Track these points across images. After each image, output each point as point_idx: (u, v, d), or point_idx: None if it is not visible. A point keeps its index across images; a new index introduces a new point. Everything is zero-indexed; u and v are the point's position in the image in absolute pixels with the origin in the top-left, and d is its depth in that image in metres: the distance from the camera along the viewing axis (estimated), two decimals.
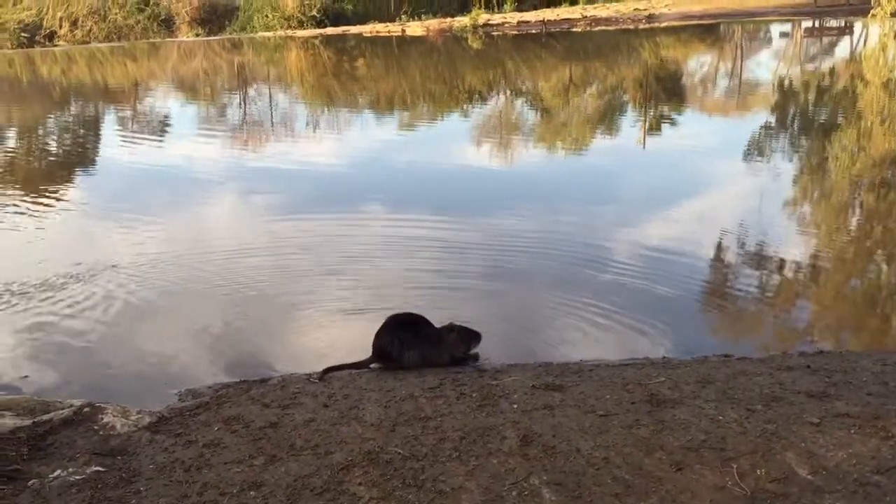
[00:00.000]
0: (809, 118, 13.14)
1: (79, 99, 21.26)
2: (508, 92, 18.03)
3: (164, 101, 19.85)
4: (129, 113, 17.69)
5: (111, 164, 11.24)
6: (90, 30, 39.13)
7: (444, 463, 2.97)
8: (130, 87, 23.46)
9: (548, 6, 37.56)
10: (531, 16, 34.82)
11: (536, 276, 5.73)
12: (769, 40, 27.74)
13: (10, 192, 9.50)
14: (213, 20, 40.07)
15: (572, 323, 4.84)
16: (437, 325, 4.18)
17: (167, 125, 15.27)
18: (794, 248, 6.22)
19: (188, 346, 4.70)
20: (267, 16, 37.88)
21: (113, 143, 13.14)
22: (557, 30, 31.79)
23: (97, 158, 12.09)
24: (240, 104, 18.41)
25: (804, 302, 5.28)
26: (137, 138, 13.69)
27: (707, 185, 8.58)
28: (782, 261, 5.92)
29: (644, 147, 10.78)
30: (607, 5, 36.19)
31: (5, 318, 5.24)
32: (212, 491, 2.89)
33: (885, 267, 5.98)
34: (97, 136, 14.61)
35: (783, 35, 28.37)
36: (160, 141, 13.34)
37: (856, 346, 4.40)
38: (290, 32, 35.98)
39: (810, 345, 4.41)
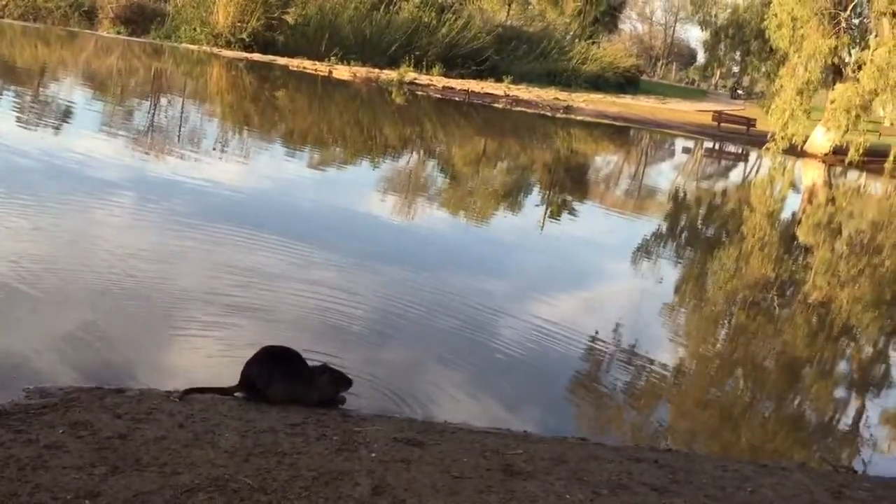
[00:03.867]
0: (697, 231, 13.90)
1: None
2: (422, 151, 18.31)
3: (70, 91, 19.17)
4: (29, 96, 16.96)
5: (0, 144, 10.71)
6: (6, 5, 37.56)
7: (292, 501, 2.92)
8: (36, 71, 22.56)
9: (474, 78, 38.59)
10: (457, 83, 35.65)
11: (415, 333, 5.79)
12: (672, 153, 29.34)
13: None
14: (137, 21, 39.19)
15: (442, 384, 4.90)
16: (311, 364, 4.15)
17: (68, 116, 14.71)
18: (663, 351, 6.52)
19: (46, 344, 4.48)
20: (195, 29, 37.31)
21: (6, 124, 12.53)
22: (479, 102, 32.62)
23: None
24: (149, 110, 17.97)
25: (662, 402, 5.53)
26: (33, 123, 13.12)
27: (594, 277, 8.93)
28: (649, 361, 6.19)
29: (542, 230, 11.12)
30: (529, 89, 37.49)
31: None
32: (44, 493, 2.74)
33: (740, 383, 6.33)
34: None
35: (686, 150, 30.07)
36: (57, 130, 12.83)
37: (702, 450, 4.63)
38: (215, 50, 35.53)
39: (660, 441, 4.61)
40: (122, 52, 31.66)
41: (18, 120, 13.22)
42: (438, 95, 32.86)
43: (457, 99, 32.64)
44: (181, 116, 17.53)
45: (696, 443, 4.84)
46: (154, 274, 6.01)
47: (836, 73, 28.10)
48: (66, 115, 14.87)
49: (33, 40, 30.96)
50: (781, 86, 26.50)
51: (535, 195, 14.74)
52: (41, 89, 18.57)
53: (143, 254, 6.49)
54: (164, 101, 20.37)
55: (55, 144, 11.21)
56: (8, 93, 17.35)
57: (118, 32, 37.93)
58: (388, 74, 34.70)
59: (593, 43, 50.41)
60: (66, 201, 7.85)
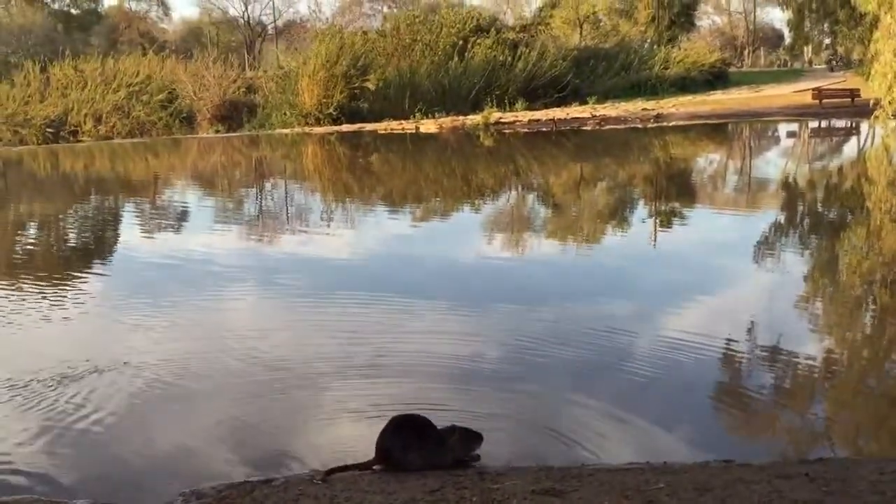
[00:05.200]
0: (818, 216, 13.31)
1: (99, 192, 21.81)
2: (520, 187, 18.38)
3: (183, 194, 20.32)
4: (148, 206, 18.11)
5: (129, 256, 11.47)
6: (113, 125, 40.30)
7: None
8: (150, 181, 24.05)
9: (558, 105, 38.56)
10: (541, 114, 35.70)
11: (541, 371, 5.78)
12: (777, 139, 28.30)
13: (26, 284, 9.68)
14: (232, 117, 41.25)
15: (574, 422, 4.86)
16: (439, 425, 4.22)
17: (185, 218, 15.63)
18: (803, 349, 6.21)
19: (194, 446, 4.73)
20: (285, 113, 38.97)
21: (131, 236, 13.44)
22: (567, 128, 32.52)
23: (115, 251, 12.34)
24: (256, 197, 18.84)
25: (812, 405, 5.27)
26: (156, 231, 14.00)
27: (716, 282, 8.64)
28: (790, 362, 5.94)
29: (655, 244, 10.92)
30: (616, 105, 37.13)
31: (14, 413, 5.30)
32: None
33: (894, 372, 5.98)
34: (116, 228, 14.96)
35: (790, 134, 28.94)
36: (178, 233, 13.64)
37: (860, 452, 4.40)
38: (306, 129, 36.96)
39: (813, 451, 4.41)
40: (223, 148, 33.36)
41: (142, 228, 14.18)
42: (526, 130, 32.98)
43: (544, 130, 32.66)
44: (286, 197, 18.30)
45: (853, 445, 4.60)
46: (281, 354, 6.29)
47: None
48: (182, 215, 15.83)
49: (143, 154, 33.06)
50: (877, 50, 25.17)
51: (642, 209, 14.51)
52: (157, 196, 19.79)
53: (266, 336, 6.81)
54: (268, 185, 21.31)
55: (177, 244, 11.92)
56: (129, 204, 18.60)
57: (217, 131, 40.01)
58: (473, 119, 35.13)
59: (673, 46, 49.60)
60: (192, 302, 8.30)
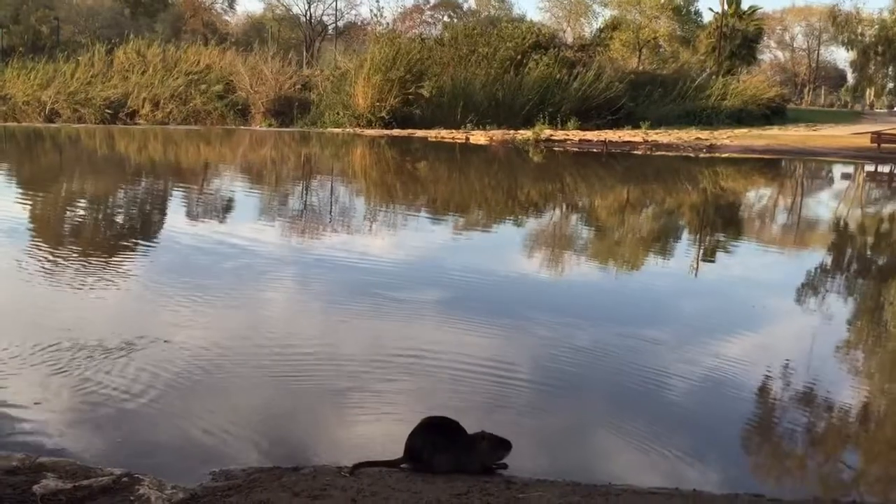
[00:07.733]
0: (867, 262, 13.06)
1: (150, 175, 22.22)
2: (565, 206, 18.32)
3: (231, 183, 20.62)
4: (195, 192, 18.41)
5: (173, 239, 11.66)
6: (170, 112, 41.08)
7: None
8: (200, 168, 24.45)
9: (610, 128, 38.41)
10: (593, 135, 35.58)
11: (577, 391, 5.75)
12: (830, 180, 27.81)
13: (73, 257, 9.90)
14: (286, 112, 41.79)
15: (605, 441, 4.84)
16: (470, 431, 4.23)
17: (231, 207, 15.86)
18: (843, 392, 6.11)
19: (227, 427, 4.81)
20: (338, 113, 39.39)
21: (177, 220, 13.67)
22: (618, 151, 32.34)
23: (160, 233, 12.56)
24: (302, 193, 19.04)
25: (845, 450, 5.17)
26: (201, 217, 14.22)
27: (756, 319, 8.52)
28: (829, 405, 5.84)
29: (696, 274, 10.80)
30: (669, 132, 36.86)
31: (55, 381, 5.43)
32: None
33: None
34: (163, 211, 15.23)
35: (845, 176, 28.42)
36: (222, 221, 13.85)
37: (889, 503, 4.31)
38: (357, 130, 37.28)
39: (842, 495, 4.33)
40: (273, 142, 33.79)
41: (187, 214, 14.41)
42: (575, 149, 32.87)
43: (595, 150, 32.52)
44: (331, 195, 18.47)
45: (883, 495, 4.50)
46: (318, 350, 6.34)
47: None
48: (227, 203, 16.07)
49: (196, 141, 33.62)
50: None
51: (686, 238, 14.37)
52: (205, 183, 20.12)
53: (304, 330, 6.88)
54: (314, 182, 21.53)
55: (220, 231, 12.09)
56: (178, 189, 18.92)
57: (269, 125, 40.55)
58: (524, 134, 35.12)
59: (732, 77, 49.14)
60: (234, 289, 8.41)
